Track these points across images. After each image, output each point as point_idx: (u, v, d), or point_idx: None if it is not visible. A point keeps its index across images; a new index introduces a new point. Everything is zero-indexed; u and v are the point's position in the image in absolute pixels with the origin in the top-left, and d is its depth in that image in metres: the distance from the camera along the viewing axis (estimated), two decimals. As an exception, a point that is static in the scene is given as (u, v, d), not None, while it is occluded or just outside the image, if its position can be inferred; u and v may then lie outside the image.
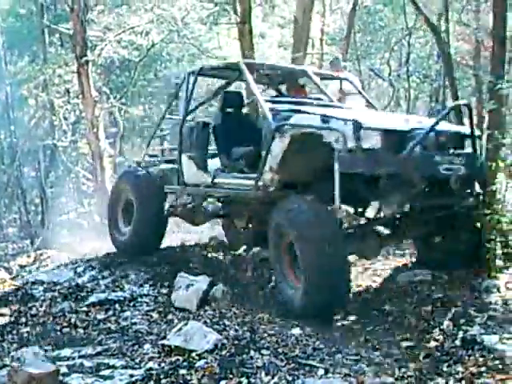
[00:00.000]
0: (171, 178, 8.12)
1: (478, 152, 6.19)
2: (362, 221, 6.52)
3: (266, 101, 6.92)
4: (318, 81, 7.92)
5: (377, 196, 6.12)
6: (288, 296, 6.09)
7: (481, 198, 6.33)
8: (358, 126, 5.59)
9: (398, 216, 6.37)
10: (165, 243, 8.77)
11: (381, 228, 6.68)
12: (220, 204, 8.29)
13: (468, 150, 6.18)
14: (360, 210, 6.62)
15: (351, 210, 6.38)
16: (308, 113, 6.26)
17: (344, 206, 5.83)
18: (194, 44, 16.25)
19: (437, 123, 5.77)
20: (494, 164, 6.04)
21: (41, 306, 6.81)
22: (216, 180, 7.36)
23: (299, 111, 6.36)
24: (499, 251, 6.38)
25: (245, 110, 8.73)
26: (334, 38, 19.26)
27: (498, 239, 6.17)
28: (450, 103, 18.54)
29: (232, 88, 8.61)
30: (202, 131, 7.76)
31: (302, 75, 8.05)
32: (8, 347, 5.74)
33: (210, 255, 8.31)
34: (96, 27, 15.47)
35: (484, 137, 6.35)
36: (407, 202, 6.09)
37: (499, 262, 6.32)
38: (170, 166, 8.27)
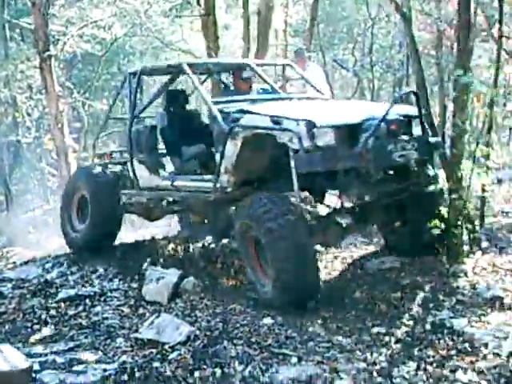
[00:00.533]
0: (125, 180, 8.11)
1: (427, 134, 6.35)
2: (324, 211, 6.58)
3: (215, 102, 6.88)
4: (261, 72, 7.90)
5: (336, 189, 6.25)
6: (258, 288, 6.14)
7: (439, 181, 6.50)
8: (311, 126, 5.68)
9: (357, 205, 6.44)
10: (130, 238, 8.79)
11: (342, 218, 6.75)
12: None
13: (417, 131, 6.29)
14: (318, 199, 6.65)
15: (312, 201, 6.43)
16: (259, 113, 6.25)
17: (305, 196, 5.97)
18: (157, 37, 16.14)
19: (387, 114, 5.84)
20: (458, 151, 6.11)
21: (10, 304, 6.72)
22: (171, 183, 7.30)
23: (249, 112, 6.35)
24: (465, 237, 6.50)
25: (189, 108, 8.66)
26: (297, 30, 19.32)
27: (464, 225, 6.25)
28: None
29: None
30: (149, 134, 7.68)
31: (245, 67, 7.98)
32: (-22, 346, 5.68)
33: (178, 248, 8.29)
34: (58, 21, 15.29)
35: (448, 125, 6.45)
36: (366, 193, 6.19)
37: (466, 248, 6.44)
38: (123, 167, 8.26)
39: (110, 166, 8.54)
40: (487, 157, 6.70)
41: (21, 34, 21.12)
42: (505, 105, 17.17)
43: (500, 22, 7.18)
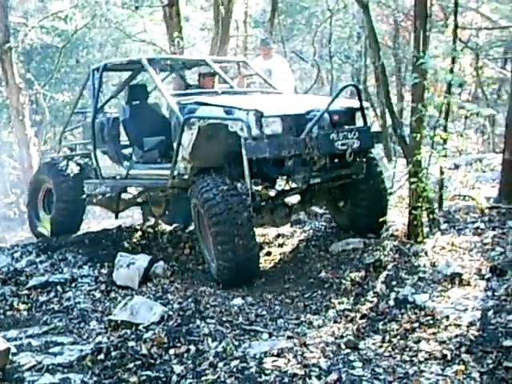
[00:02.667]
0: (88, 171, 8.45)
1: (368, 124, 6.90)
2: (273, 193, 7.00)
3: (172, 95, 7.32)
4: (217, 68, 8.24)
5: (283, 174, 6.66)
6: (209, 266, 6.55)
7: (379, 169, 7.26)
8: (259, 115, 6.10)
9: (304, 188, 6.89)
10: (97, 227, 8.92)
11: (289, 199, 7.30)
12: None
13: (359, 123, 6.78)
14: (269, 184, 7.00)
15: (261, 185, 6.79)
16: (212, 105, 6.61)
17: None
18: (118, 28, 16.10)
19: (329, 106, 6.30)
20: (418, 135, 6.35)
21: (-20, 292, 6.79)
22: (132, 172, 7.66)
23: (204, 103, 6.71)
24: (425, 219, 6.76)
25: (150, 101, 9.01)
26: (258, 21, 19.45)
27: (423, 207, 6.50)
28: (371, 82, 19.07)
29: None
30: (112, 126, 8.02)
31: (202, 64, 8.43)
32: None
33: (146, 235, 8.42)
34: (16, 13, 15.15)
35: (406, 114, 6.69)
36: (311, 177, 6.57)
37: (425, 229, 6.70)
38: (86, 159, 8.59)
39: (74, 158, 8.74)
40: (444, 141, 6.98)
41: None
42: (460, 94, 17.65)
43: (455, 12, 7.44)
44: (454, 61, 7.17)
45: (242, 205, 6.16)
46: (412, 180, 6.43)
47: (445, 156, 6.71)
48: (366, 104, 7.03)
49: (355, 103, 6.83)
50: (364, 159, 6.87)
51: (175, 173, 6.85)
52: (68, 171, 8.51)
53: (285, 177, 6.85)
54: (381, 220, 6.95)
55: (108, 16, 14.88)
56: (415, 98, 6.43)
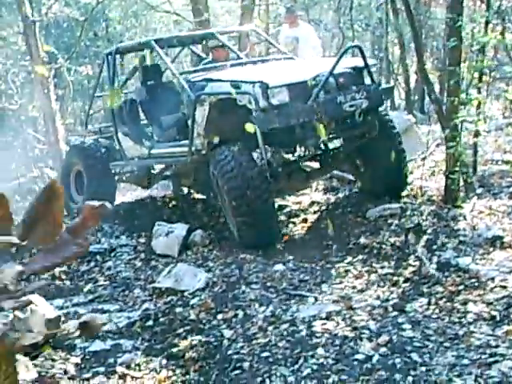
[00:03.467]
0: (114, 153, 8.59)
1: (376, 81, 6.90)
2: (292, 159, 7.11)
3: (181, 73, 7.52)
4: (225, 40, 8.32)
5: (296, 141, 6.67)
6: (233, 233, 6.66)
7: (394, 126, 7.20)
8: (264, 87, 6.18)
9: (320, 152, 7.03)
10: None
11: (308, 163, 7.41)
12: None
13: (367, 81, 6.77)
14: (289, 150, 7.07)
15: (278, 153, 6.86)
16: (220, 80, 6.72)
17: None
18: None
19: (332, 69, 6.34)
20: (455, 99, 6.31)
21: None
22: (154, 151, 7.80)
23: (212, 80, 6.83)
24: (461, 183, 6.75)
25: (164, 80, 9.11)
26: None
27: (461, 171, 6.49)
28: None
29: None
30: (130, 108, 8.18)
31: (210, 37, 8.44)
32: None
33: (180, 205, 8.48)
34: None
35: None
36: (322, 142, 6.70)
37: (462, 194, 6.70)
38: (111, 141, 8.72)
39: (100, 140, 8.88)
40: (479, 105, 6.94)
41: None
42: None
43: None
44: (487, 24, 7.12)
45: (259, 176, 6.26)
46: (450, 144, 6.39)
47: (482, 120, 6.67)
48: (372, 61, 7.11)
49: (361, 62, 6.78)
50: (376, 117, 6.88)
51: (193, 149, 6.96)
52: (97, 154, 8.69)
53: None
54: (401, 182, 7.04)
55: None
56: (452, 62, 6.36)
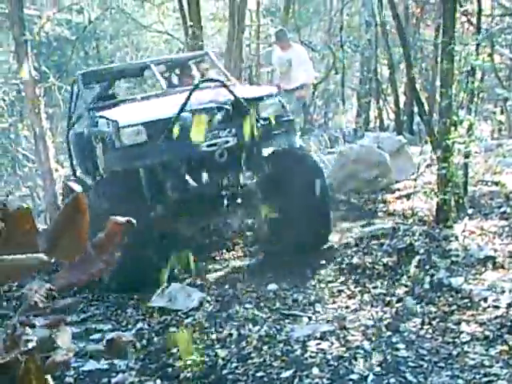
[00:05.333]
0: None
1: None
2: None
3: (91, 108, 7.02)
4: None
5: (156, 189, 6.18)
6: None
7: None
8: (116, 126, 5.90)
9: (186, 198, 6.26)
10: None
11: None
12: None
13: (265, 113, 6.16)
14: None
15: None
16: (104, 117, 6.37)
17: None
18: (132, 18, 16.02)
19: (184, 105, 5.82)
20: (447, 120, 6.38)
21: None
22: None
23: (101, 116, 6.49)
24: (452, 203, 6.80)
25: None
26: (268, 10, 19.41)
27: (453, 191, 6.54)
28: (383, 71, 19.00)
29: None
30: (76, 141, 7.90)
31: (169, 62, 8.21)
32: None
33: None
34: (30, 5, 15.15)
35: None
36: (184, 187, 6.13)
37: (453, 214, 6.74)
38: None
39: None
40: (470, 126, 7.01)
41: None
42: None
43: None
44: (478, 47, 7.21)
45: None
46: (442, 165, 6.45)
47: (473, 141, 6.74)
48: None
49: (256, 92, 6.33)
50: (259, 155, 6.28)
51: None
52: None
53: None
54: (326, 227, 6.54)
55: (121, 6, 14.82)
56: (444, 84, 6.44)
